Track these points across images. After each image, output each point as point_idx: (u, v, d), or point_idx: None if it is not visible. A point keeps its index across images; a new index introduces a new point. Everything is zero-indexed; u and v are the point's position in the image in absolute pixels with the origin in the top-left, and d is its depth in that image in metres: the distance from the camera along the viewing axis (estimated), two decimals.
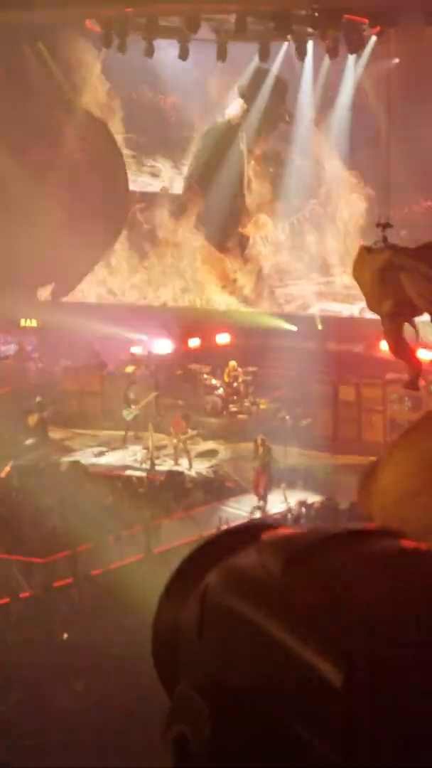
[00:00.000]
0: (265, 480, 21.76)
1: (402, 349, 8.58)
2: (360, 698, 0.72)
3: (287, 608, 0.77)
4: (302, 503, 20.66)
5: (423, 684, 0.73)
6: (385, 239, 9.78)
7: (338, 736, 0.72)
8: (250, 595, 0.79)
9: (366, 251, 8.48)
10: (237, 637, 0.79)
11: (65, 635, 15.42)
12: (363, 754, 0.72)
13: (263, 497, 21.55)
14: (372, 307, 8.35)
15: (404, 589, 0.77)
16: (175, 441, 24.61)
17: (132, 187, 33.25)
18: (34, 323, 32.50)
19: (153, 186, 33.32)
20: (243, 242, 32.39)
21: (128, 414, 25.83)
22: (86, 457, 24.95)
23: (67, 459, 24.47)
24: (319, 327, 30.42)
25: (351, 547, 0.81)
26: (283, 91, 31.00)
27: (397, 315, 8.18)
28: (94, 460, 24.79)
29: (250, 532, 0.89)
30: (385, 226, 10.29)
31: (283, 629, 0.76)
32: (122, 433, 26.13)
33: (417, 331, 8.50)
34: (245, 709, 0.77)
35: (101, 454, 25.37)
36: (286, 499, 21.23)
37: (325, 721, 0.73)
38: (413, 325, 8.36)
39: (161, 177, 33.14)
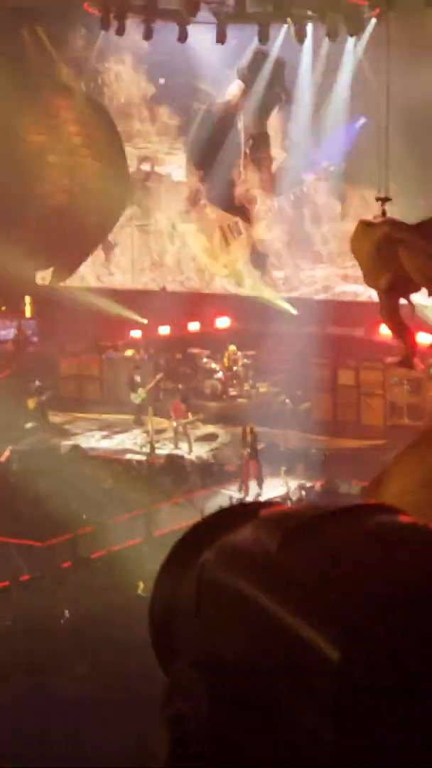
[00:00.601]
0: (256, 467, 21.69)
1: (398, 325, 8.54)
2: (356, 675, 0.72)
3: (284, 584, 0.77)
4: (302, 487, 20.69)
5: (420, 661, 0.73)
6: (384, 213, 9.71)
7: (334, 713, 0.72)
8: (247, 572, 0.79)
9: (365, 225, 8.43)
10: (234, 613, 0.79)
11: (66, 612, 15.48)
12: (358, 730, 0.72)
13: (258, 484, 21.52)
14: (369, 282, 8.30)
15: (402, 564, 0.76)
16: (174, 425, 24.63)
17: (132, 170, 33.13)
18: (33, 308, 32.48)
19: (150, 165, 33.22)
20: (242, 220, 32.19)
21: (136, 397, 25.84)
22: (86, 440, 24.98)
23: (66, 443, 24.50)
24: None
25: (348, 522, 0.80)
26: (281, 70, 30.86)
27: (395, 290, 8.13)
28: (94, 444, 24.81)
29: (247, 510, 0.89)
30: (385, 200, 10.21)
31: (280, 605, 0.76)
32: (121, 416, 26.18)
33: (413, 308, 8.46)
34: (242, 685, 0.76)
35: (108, 437, 25.43)
36: (286, 482, 21.24)
37: (321, 697, 0.73)
38: (410, 302, 8.31)
39: (162, 160, 33.05)
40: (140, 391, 25.95)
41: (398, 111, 25.18)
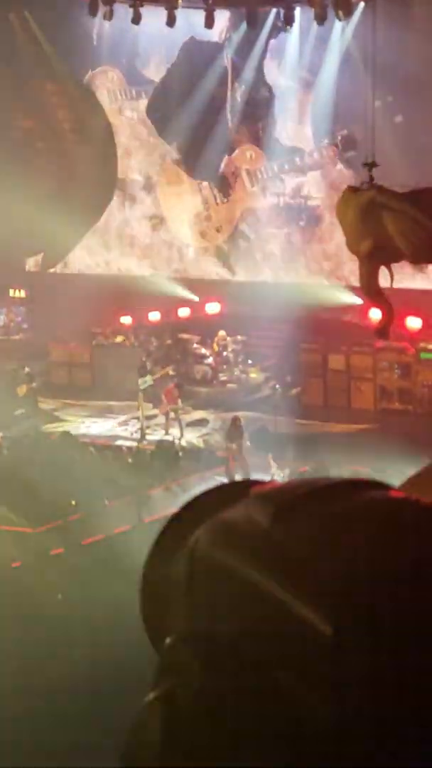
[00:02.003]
0: (242, 461, 21.61)
1: (375, 293, 8.57)
2: (349, 649, 0.72)
3: (276, 560, 0.77)
4: (292, 472, 20.70)
5: (414, 634, 0.72)
6: (371, 179, 9.75)
7: (327, 689, 0.72)
8: (239, 549, 0.79)
9: (351, 190, 8.47)
10: (226, 590, 0.78)
11: (59, 596, 15.53)
12: (352, 706, 0.72)
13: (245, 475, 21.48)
14: (351, 247, 8.33)
15: (395, 539, 0.76)
16: (166, 409, 24.61)
17: (120, 153, 32.95)
18: (22, 294, 32.40)
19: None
20: (229, 178, 31.27)
21: (143, 383, 25.72)
22: (76, 427, 24.97)
23: (57, 429, 24.49)
24: None
25: (340, 497, 0.80)
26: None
27: (375, 256, 8.16)
28: (84, 430, 24.80)
29: (240, 487, 0.89)
30: (372, 165, 10.21)
31: (272, 581, 0.75)
32: (112, 403, 26.18)
33: (392, 277, 8.46)
34: (234, 661, 0.76)
35: (98, 423, 25.39)
36: (274, 468, 21.24)
37: (314, 673, 0.73)
38: (390, 271, 8.32)
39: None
40: (148, 377, 25.79)
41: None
